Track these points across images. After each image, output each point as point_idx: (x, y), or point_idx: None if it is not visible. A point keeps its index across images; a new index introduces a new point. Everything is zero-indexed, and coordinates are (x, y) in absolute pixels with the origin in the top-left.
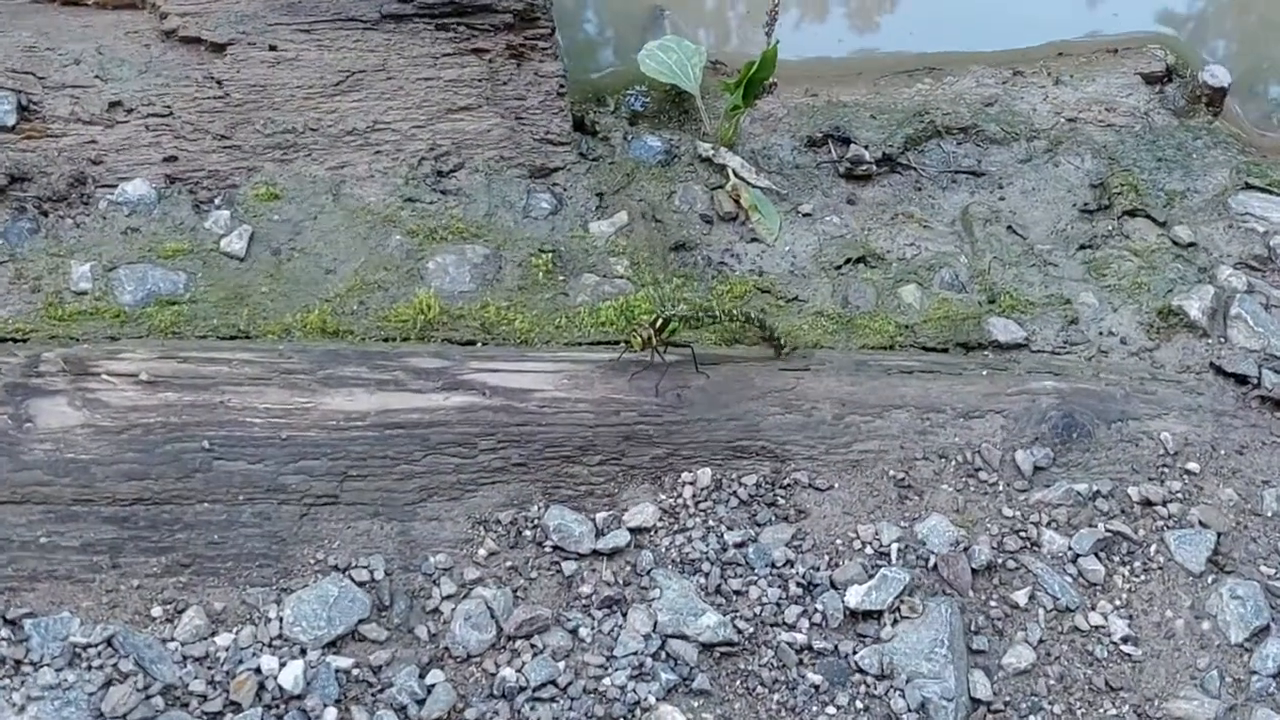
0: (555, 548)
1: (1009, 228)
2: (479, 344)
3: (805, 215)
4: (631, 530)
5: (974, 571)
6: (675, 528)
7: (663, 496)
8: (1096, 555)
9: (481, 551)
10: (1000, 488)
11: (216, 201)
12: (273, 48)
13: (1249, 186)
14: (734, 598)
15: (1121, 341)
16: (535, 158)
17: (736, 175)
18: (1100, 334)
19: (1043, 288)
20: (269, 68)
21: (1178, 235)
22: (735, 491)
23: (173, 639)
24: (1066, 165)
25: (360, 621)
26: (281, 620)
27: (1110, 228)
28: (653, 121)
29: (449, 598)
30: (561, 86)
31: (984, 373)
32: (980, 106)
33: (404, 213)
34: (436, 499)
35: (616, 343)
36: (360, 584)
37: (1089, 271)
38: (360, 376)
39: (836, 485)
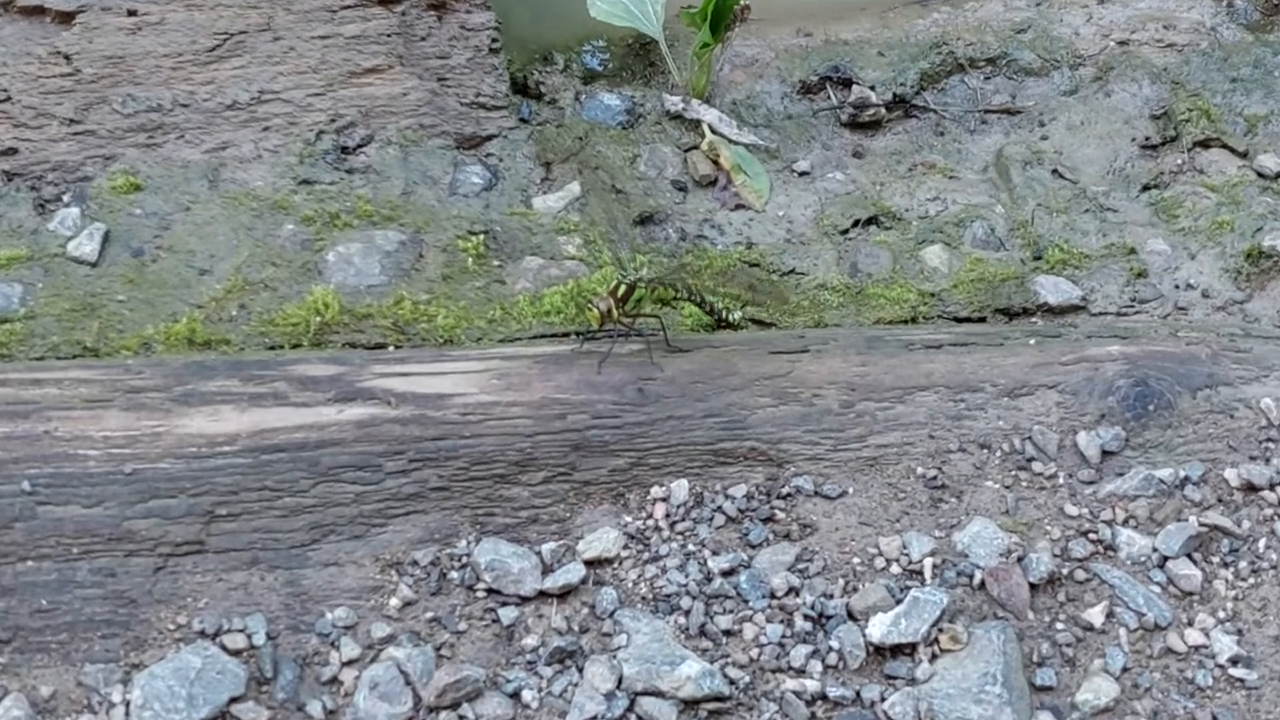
0: (490, 591)
1: (1054, 171)
2: (391, 347)
3: (801, 174)
4: (588, 563)
5: (1032, 587)
6: (645, 556)
7: (627, 518)
8: (1190, 557)
9: (393, 602)
10: (1060, 480)
11: (65, 198)
12: (131, 12)
13: None
14: (723, 639)
15: (1203, 294)
16: (463, 125)
17: (714, 131)
18: (1176, 287)
19: (1100, 237)
20: (127, 35)
21: (1263, 165)
22: (720, 506)
23: None
24: (1120, 94)
25: (233, 700)
26: (129, 705)
27: (1179, 162)
28: (612, 80)
29: (351, 663)
30: (494, 41)
31: (1031, 341)
32: (1010, 33)
33: (298, 197)
34: (333, 539)
35: (565, 334)
36: (234, 652)
37: (1156, 214)
38: (228, 391)
39: (850, 490)
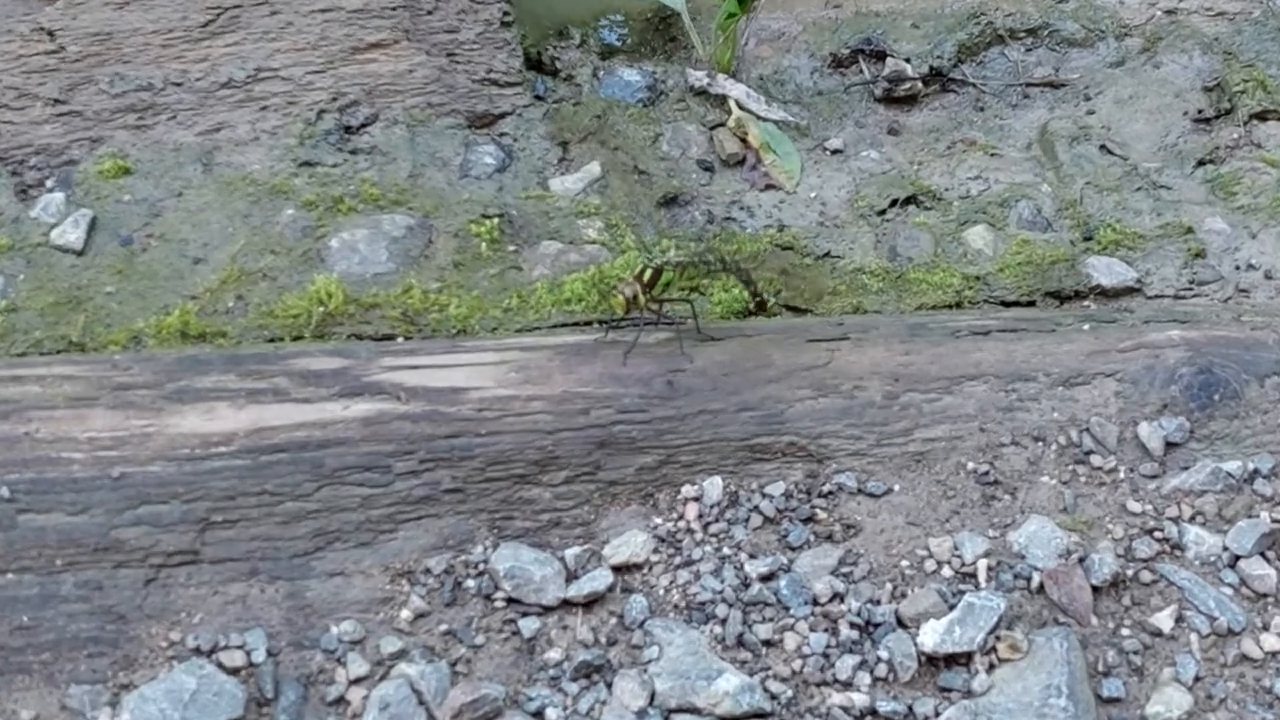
0: (509, 600)
1: (1102, 147)
2: (400, 339)
3: (834, 152)
4: (615, 569)
5: (1095, 590)
6: (677, 561)
7: (657, 520)
8: (1263, 555)
9: (405, 614)
10: (1121, 475)
11: (49, 184)
12: None
13: None
14: (763, 650)
15: (1266, 275)
16: (475, 103)
17: (741, 108)
18: (1237, 268)
19: (1154, 216)
20: (115, 10)
21: None
22: (757, 506)
23: None
24: (1170, 66)
25: None
26: None
27: (1236, 136)
28: (631, 55)
29: (359, 681)
30: (506, 14)
31: (1085, 327)
32: (1051, 2)
33: (298, 180)
34: (339, 546)
35: (587, 323)
36: (232, 670)
37: (1213, 191)
38: (224, 387)
39: (896, 487)
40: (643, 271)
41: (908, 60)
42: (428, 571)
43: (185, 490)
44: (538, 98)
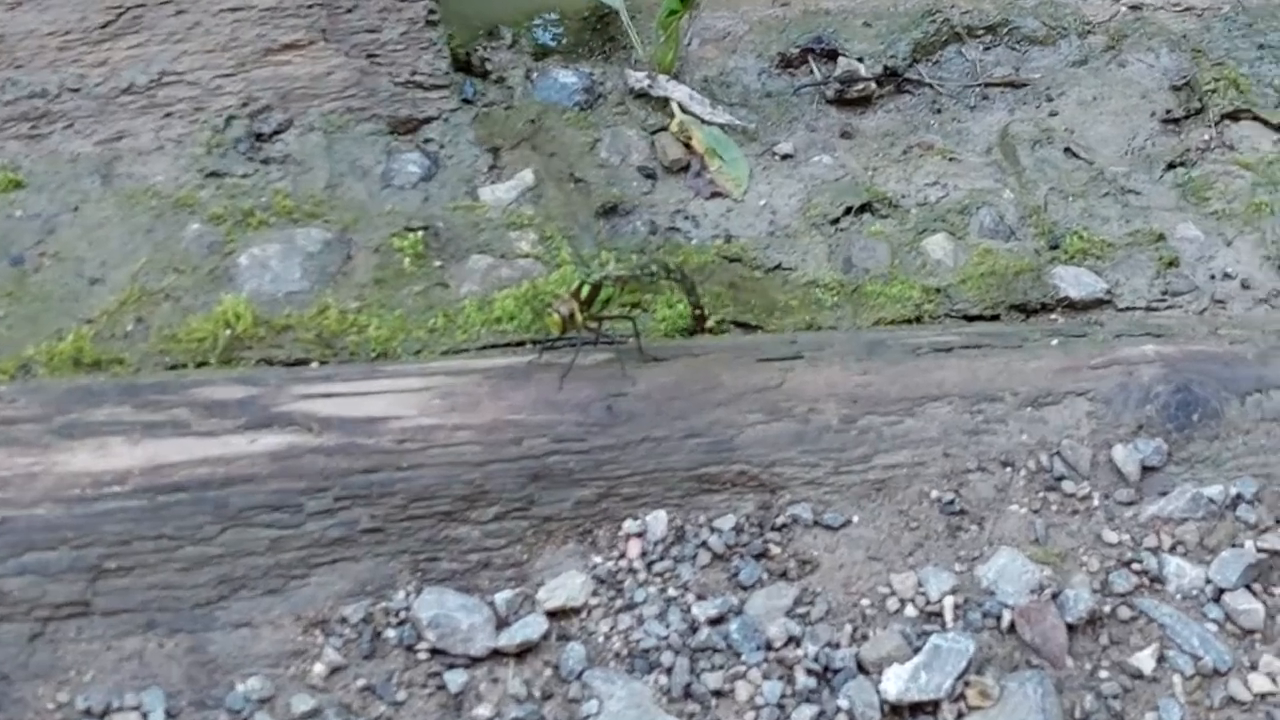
0: (434, 651)
1: (1067, 150)
2: (314, 364)
3: (784, 157)
4: (551, 614)
5: (1070, 628)
6: (618, 604)
7: (596, 559)
8: (1249, 588)
9: (318, 668)
10: (1096, 502)
11: None
12: None
13: None
14: (713, 702)
15: (1243, 285)
16: (398, 107)
17: (684, 111)
18: (1211, 277)
19: (1123, 223)
20: (6, 11)
21: None
22: (705, 542)
23: None
24: (1136, 64)
25: None
26: None
27: (1207, 138)
28: (567, 56)
29: None
30: (431, 13)
31: (1054, 342)
32: None
33: (205, 192)
34: (245, 594)
35: (519, 344)
36: None
37: (1185, 196)
38: (119, 420)
39: (855, 519)
40: (580, 287)
41: (860, 60)
42: (344, 621)
43: (75, 535)
44: (466, 101)
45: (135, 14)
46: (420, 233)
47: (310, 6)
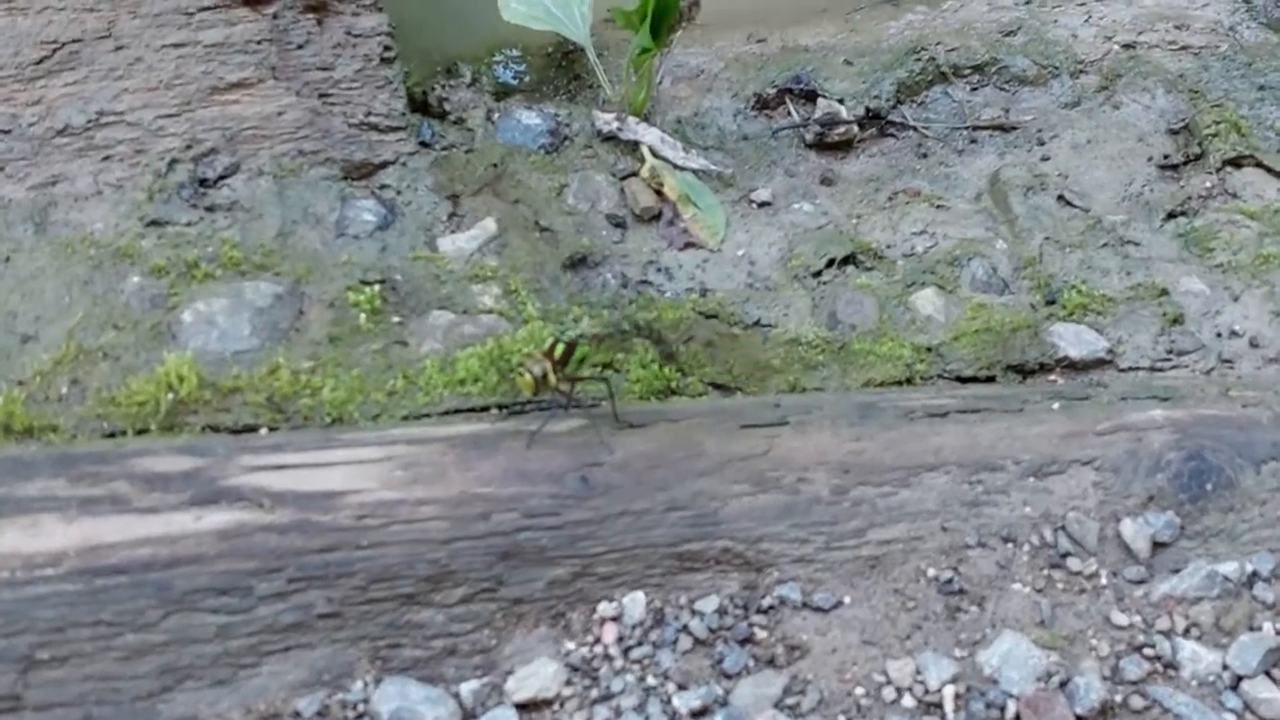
0: None
1: (1060, 197)
2: (264, 430)
3: (762, 205)
4: (520, 706)
5: (1080, 719)
6: (593, 694)
7: (570, 645)
8: (1269, 675)
9: None
10: (1104, 580)
11: None
12: None
13: None
14: None
15: (1251, 343)
16: (351, 150)
17: (655, 155)
18: (1219, 335)
19: (1124, 275)
20: None
21: None
22: (686, 625)
23: None
24: (1131, 106)
25: None
26: None
27: (1208, 185)
28: (530, 95)
29: None
30: (387, 49)
31: (1056, 405)
32: (998, 36)
33: (146, 242)
34: (190, 685)
35: (484, 409)
36: None
37: (1187, 247)
38: (53, 495)
39: (848, 599)
40: (554, 346)
41: (841, 101)
42: (297, 715)
43: (4, 623)
44: (424, 144)
45: (72, 49)
46: (377, 286)
47: (259, 42)
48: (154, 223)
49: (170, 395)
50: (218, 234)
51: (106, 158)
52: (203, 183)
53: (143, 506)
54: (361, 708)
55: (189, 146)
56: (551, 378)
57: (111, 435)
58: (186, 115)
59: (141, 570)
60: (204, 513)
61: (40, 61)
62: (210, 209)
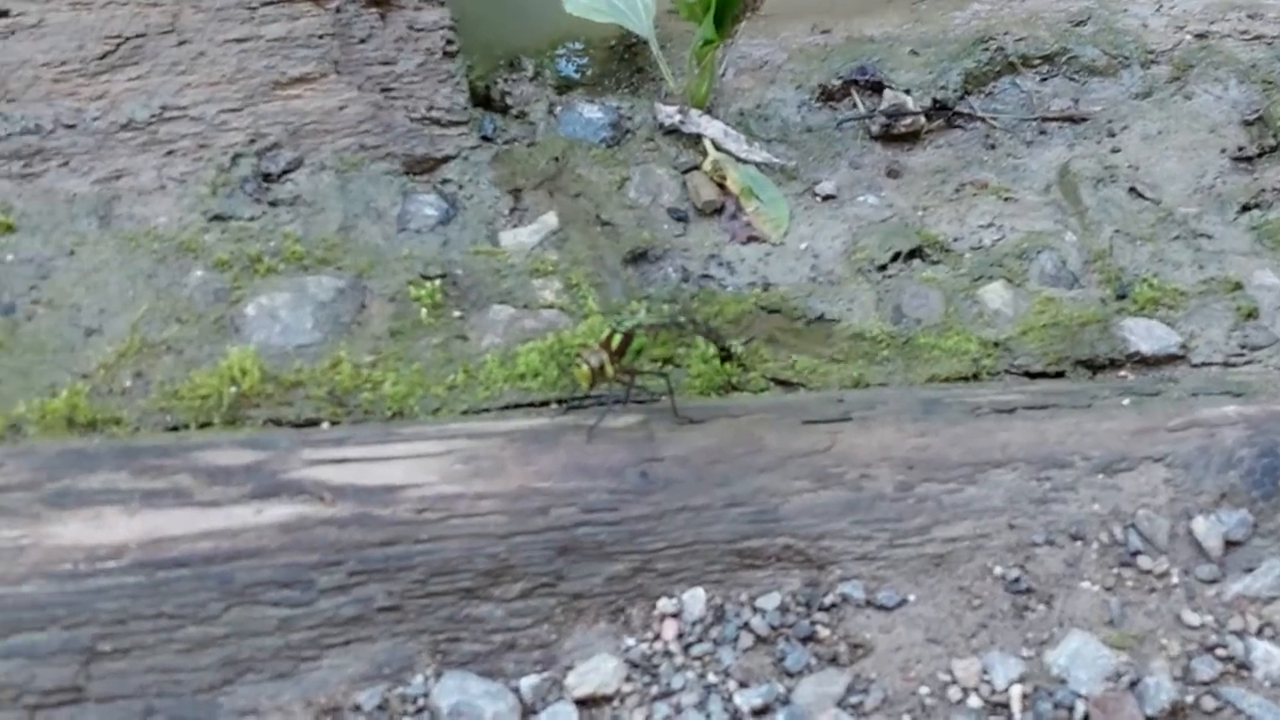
0: None
1: (1132, 189)
2: (325, 424)
3: (826, 198)
4: (580, 702)
5: None
6: (653, 691)
7: (630, 640)
8: None
9: None
10: (1175, 579)
11: None
12: (3, 12)
13: None
14: None
15: None
16: (413, 145)
17: (718, 148)
18: None
19: (1196, 269)
20: None
21: None
22: (747, 623)
23: None
24: (1203, 97)
25: None
26: None
27: None
28: (593, 89)
29: None
30: (449, 43)
31: (1126, 401)
32: (1067, 26)
33: (210, 236)
34: (251, 678)
35: (544, 403)
36: None
37: (1261, 240)
38: (115, 488)
39: (912, 597)
40: (610, 337)
41: (908, 92)
42: (357, 708)
43: (67, 615)
44: (486, 138)
45: (136, 44)
46: (438, 280)
47: (321, 37)
48: (217, 217)
49: (233, 389)
50: (280, 228)
51: (170, 152)
52: (266, 177)
53: (205, 500)
54: (421, 701)
55: (252, 141)
56: (609, 369)
57: (174, 428)
58: (249, 110)
59: (203, 563)
60: (265, 506)
61: (104, 56)
62: (273, 203)
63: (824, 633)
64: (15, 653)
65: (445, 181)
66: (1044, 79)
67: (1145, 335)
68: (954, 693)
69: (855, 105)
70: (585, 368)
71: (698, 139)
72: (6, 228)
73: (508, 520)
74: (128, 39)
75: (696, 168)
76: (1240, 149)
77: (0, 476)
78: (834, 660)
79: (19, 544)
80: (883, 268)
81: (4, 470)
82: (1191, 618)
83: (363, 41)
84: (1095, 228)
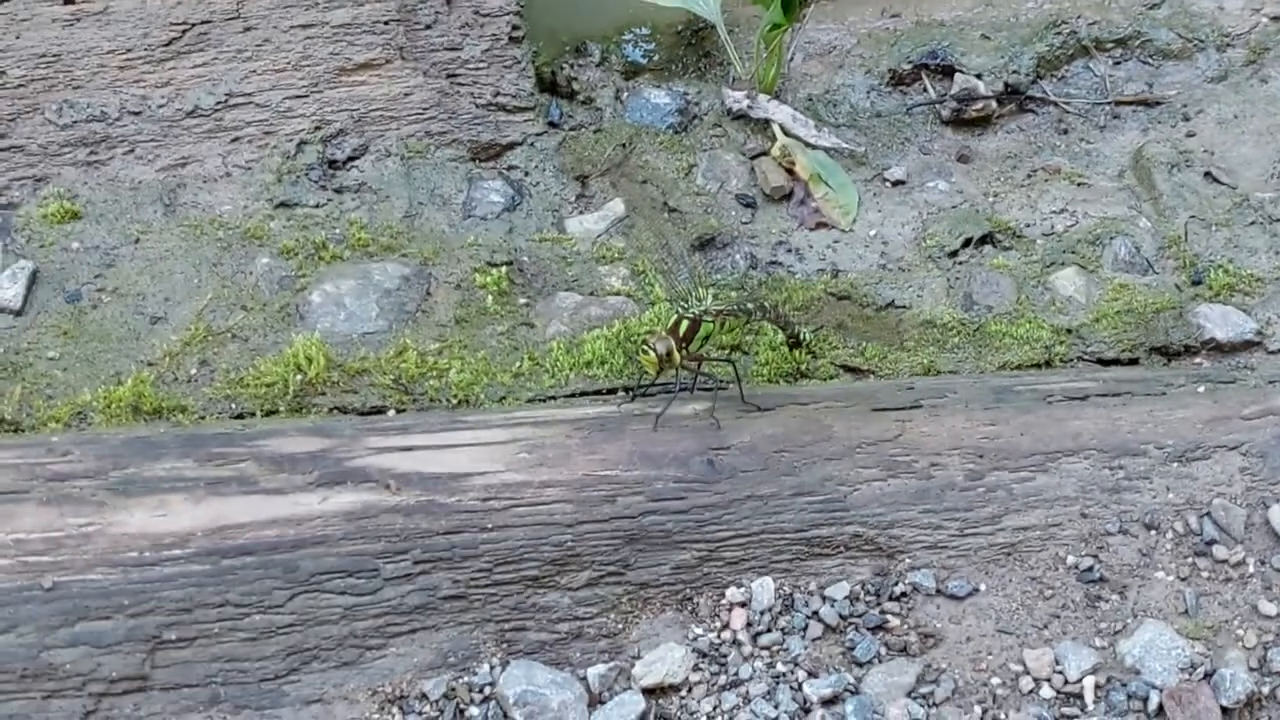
0: None
1: (1207, 174)
2: (391, 411)
3: (896, 183)
4: (648, 691)
5: (1225, 711)
6: (721, 680)
7: (697, 630)
8: None
9: None
10: (1251, 569)
11: None
12: (69, 0)
13: None
14: None
15: None
16: (479, 131)
17: (786, 134)
18: None
19: (1272, 255)
20: (64, 28)
21: None
22: (816, 612)
23: None
24: (1279, 80)
25: None
26: None
27: None
28: (659, 74)
29: None
30: (515, 29)
31: (1200, 389)
32: (1141, 9)
33: (275, 223)
34: (317, 667)
35: (610, 391)
36: None
37: None
38: (180, 476)
39: (983, 587)
40: (678, 323)
41: (979, 76)
42: (423, 697)
43: (132, 603)
44: (552, 124)
45: (201, 30)
46: (504, 267)
47: (387, 23)
48: (282, 204)
49: (298, 376)
50: (345, 215)
51: (235, 139)
52: (331, 164)
53: (270, 487)
54: (487, 690)
55: (317, 128)
56: (676, 355)
57: (239, 416)
58: (315, 96)
59: (268, 551)
60: (330, 494)
61: (169, 43)
62: (338, 190)
63: (894, 622)
64: (81, 640)
65: (511, 168)
66: (1117, 63)
67: (1220, 322)
68: (1026, 683)
69: (925, 90)
70: (652, 355)
71: (765, 124)
72: (73, 215)
73: (574, 509)
74: (193, 25)
75: (765, 153)
76: None
77: (66, 464)
78: (904, 650)
79: (84, 531)
80: (953, 254)
81: (70, 458)
82: (1268, 608)
83: (428, 27)
84: (1169, 213)
